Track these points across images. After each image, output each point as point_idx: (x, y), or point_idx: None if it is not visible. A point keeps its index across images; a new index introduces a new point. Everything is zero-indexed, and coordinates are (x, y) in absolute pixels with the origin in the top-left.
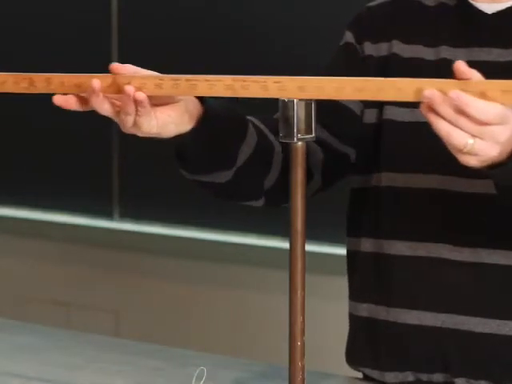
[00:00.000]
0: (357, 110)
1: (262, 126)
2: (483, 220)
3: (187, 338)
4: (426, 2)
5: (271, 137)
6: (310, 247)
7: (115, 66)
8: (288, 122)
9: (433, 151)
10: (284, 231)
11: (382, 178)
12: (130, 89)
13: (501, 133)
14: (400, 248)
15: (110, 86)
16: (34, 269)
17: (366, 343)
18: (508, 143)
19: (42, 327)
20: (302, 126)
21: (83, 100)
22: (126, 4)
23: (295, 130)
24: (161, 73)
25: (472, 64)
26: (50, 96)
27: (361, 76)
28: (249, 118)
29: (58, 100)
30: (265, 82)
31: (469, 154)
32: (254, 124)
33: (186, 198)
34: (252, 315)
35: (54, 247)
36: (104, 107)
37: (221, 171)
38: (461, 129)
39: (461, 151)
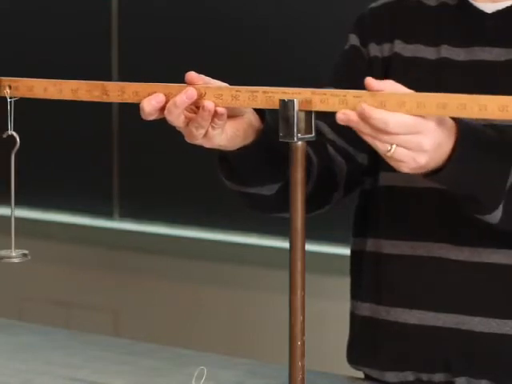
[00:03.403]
0: None
1: None
2: (483, 220)
3: (187, 338)
4: (427, 2)
5: (308, 148)
6: (310, 247)
7: (191, 75)
8: (288, 121)
9: None
10: (284, 231)
11: (383, 178)
12: (210, 105)
13: (424, 142)
14: (400, 248)
15: None
16: (34, 269)
17: (367, 342)
18: (436, 151)
19: (42, 327)
20: (302, 125)
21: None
22: (126, 4)
23: (295, 130)
24: (161, 73)
25: (473, 63)
26: None
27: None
28: None
29: (148, 107)
30: (344, 95)
31: (394, 160)
32: None
33: (186, 197)
34: (252, 315)
35: (54, 247)
36: (180, 119)
37: (271, 184)
38: (379, 140)
39: (386, 156)
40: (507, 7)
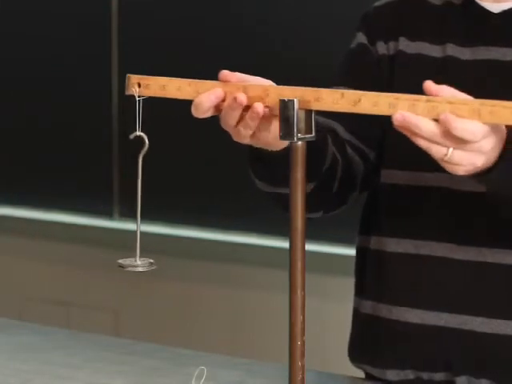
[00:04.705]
0: None
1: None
2: (487, 219)
3: (187, 338)
4: (432, 1)
5: (333, 148)
6: (310, 247)
7: (225, 74)
8: (288, 121)
9: None
10: (284, 231)
11: (384, 176)
12: (259, 107)
13: (485, 145)
14: (404, 246)
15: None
16: (34, 269)
17: (368, 340)
18: (492, 153)
19: (42, 327)
20: (302, 125)
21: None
22: (126, 4)
23: (295, 130)
24: (161, 73)
25: (478, 62)
26: (49, 95)
27: (379, 78)
28: None
29: (207, 102)
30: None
31: (450, 163)
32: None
33: (186, 198)
34: (252, 315)
35: (54, 247)
36: (235, 120)
37: (307, 183)
38: (439, 144)
39: (442, 160)
40: None
